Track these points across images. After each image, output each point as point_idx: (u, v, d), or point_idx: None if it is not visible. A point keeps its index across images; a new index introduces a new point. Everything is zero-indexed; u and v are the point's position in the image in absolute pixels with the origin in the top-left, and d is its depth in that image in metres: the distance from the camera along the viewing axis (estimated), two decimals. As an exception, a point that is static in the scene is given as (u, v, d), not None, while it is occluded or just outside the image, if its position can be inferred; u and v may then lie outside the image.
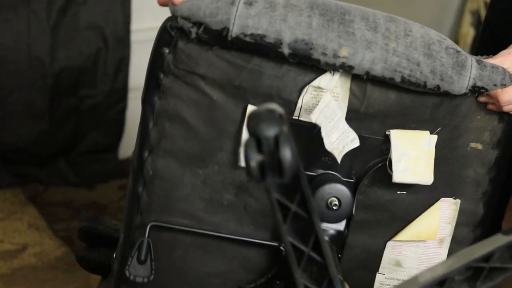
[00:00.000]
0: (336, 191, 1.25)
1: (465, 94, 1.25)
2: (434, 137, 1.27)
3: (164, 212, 1.29)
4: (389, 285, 1.36)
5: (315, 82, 1.23)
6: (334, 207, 1.25)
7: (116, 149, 2.59)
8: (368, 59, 1.21)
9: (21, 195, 2.42)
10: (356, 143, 1.25)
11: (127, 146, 2.58)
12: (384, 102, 1.24)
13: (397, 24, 1.24)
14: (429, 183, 1.28)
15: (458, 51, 1.25)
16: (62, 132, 2.45)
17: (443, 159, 1.29)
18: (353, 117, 1.25)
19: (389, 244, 1.33)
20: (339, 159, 1.25)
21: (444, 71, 1.23)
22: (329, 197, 1.25)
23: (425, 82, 1.22)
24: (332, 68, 1.21)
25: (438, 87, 1.23)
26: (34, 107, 2.40)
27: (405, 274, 1.35)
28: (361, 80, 1.23)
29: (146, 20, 2.53)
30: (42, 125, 2.42)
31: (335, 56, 1.20)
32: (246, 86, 1.23)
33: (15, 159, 2.44)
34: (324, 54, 1.20)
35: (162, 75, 1.26)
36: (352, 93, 1.24)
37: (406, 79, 1.21)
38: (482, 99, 1.27)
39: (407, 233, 1.33)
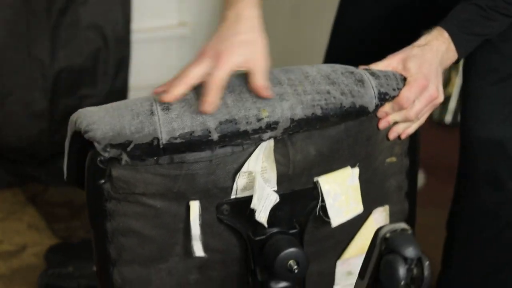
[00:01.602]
0: (294, 256, 1.34)
1: (376, 107, 1.38)
2: (356, 170, 1.42)
3: None
4: None
5: (245, 168, 1.33)
6: (295, 271, 1.34)
7: (116, 149, 2.58)
8: (287, 108, 1.32)
9: (21, 195, 2.42)
10: (277, 199, 1.34)
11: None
12: (307, 159, 1.36)
13: (294, 72, 1.38)
14: (362, 211, 1.43)
15: (351, 71, 1.40)
16: (62, 132, 2.44)
17: (367, 181, 1.44)
18: (284, 180, 1.37)
19: (339, 262, 1.49)
20: (265, 223, 1.35)
21: (351, 88, 1.37)
22: (288, 262, 1.34)
23: (341, 104, 1.35)
24: (260, 132, 1.31)
25: (354, 103, 1.36)
26: (34, 107, 2.40)
27: None
28: (283, 148, 1.34)
29: (147, 20, 2.53)
30: (42, 125, 2.42)
31: (259, 119, 1.31)
32: (184, 189, 1.32)
33: (15, 159, 2.44)
34: (248, 123, 1.30)
35: (105, 202, 1.31)
36: (278, 162, 1.35)
37: (325, 107, 1.34)
38: (382, 125, 1.41)
39: (352, 250, 1.48)
